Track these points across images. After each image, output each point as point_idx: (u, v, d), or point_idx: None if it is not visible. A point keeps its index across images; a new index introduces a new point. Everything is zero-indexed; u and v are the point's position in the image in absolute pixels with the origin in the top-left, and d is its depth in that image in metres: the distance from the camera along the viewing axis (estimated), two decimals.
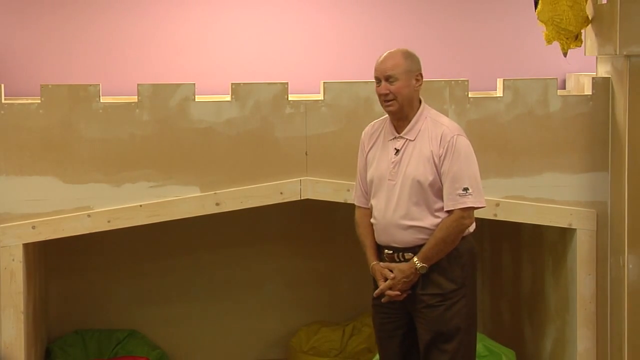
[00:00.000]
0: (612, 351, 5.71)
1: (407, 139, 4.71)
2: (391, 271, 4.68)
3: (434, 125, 4.70)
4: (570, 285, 5.83)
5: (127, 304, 6.68)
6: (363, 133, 4.90)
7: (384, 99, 4.70)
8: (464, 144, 4.66)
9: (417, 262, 4.63)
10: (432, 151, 4.65)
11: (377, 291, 4.73)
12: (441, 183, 4.65)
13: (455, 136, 4.65)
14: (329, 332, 6.62)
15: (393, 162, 4.71)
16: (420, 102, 4.76)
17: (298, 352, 6.47)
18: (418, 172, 4.65)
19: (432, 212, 4.66)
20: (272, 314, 6.80)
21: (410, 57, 4.73)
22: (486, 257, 6.97)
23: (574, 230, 5.73)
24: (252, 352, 6.80)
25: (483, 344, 6.09)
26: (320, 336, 6.60)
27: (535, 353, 6.31)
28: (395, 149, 4.72)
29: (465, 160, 4.64)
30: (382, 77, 4.70)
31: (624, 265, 5.58)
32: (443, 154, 4.64)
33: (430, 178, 4.64)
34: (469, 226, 4.68)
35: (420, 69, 4.73)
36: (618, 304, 5.64)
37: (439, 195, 4.66)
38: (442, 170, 4.64)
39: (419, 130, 4.70)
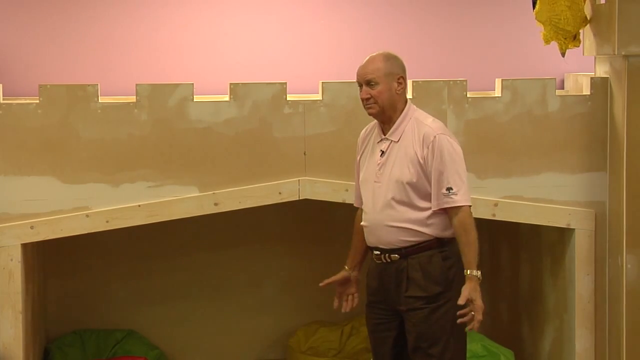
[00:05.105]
0: (610, 351, 5.71)
1: (391, 140, 4.69)
2: (471, 301, 4.53)
3: (417, 126, 4.66)
4: (568, 285, 5.83)
5: (126, 304, 6.67)
6: (359, 137, 4.90)
7: (366, 103, 4.68)
8: (447, 142, 4.60)
9: (471, 272, 4.53)
10: (416, 152, 4.62)
11: (467, 320, 4.54)
12: (428, 183, 4.61)
13: (437, 135, 4.60)
14: (327, 332, 6.62)
15: (379, 164, 4.70)
16: (406, 103, 4.72)
17: (296, 352, 6.46)
18: (402, 173, 4.63)
19: (416, 212, 4.62)
20: (270, 314, 6.79)
21: (390, 60, 4.68)
22: (485, 257, 6.96)
23: (573, 230, 5.73)
24: (251, 352, 6.79)
25: (482, 344, 6.09)
26: (319, 336, 6.60)
27: (534, 353, 6.31)
28: (381, 150, 4.71)
29: (449, 159, 4.58)
30: (363, 82, 4.68)
31: (622, 265, 5.58)
32: (427, 155, 4.59)
33: (414, 180, 4.61)
34: (471, 221, 4.59)
35: (401, 72, 4.69)
36: (616, 304, 5.64)
37: (423, 196, 4.63)
38: (428, 171, 4.60)
39: (403, 132, 4.67)
